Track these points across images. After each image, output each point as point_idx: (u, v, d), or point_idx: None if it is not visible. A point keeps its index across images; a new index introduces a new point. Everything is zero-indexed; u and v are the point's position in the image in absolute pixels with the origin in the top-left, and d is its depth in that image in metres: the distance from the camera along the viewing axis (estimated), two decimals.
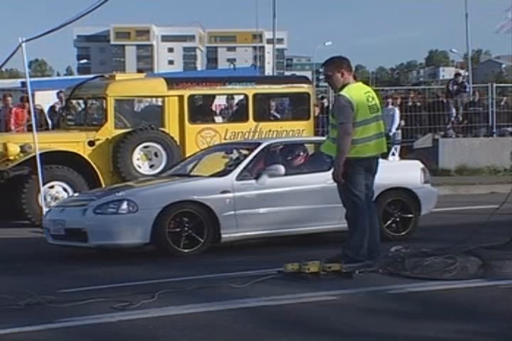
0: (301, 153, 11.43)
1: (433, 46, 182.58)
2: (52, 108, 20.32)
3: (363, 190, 8.82)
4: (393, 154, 12.22)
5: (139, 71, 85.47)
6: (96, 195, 10.66)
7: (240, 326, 6.51)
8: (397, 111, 20.92)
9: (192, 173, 11.39)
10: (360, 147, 8.69)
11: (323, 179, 10.81)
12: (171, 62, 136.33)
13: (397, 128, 21.01)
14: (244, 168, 10.65)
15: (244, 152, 11.24)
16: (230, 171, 10.70)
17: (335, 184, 10.61)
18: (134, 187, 10.91)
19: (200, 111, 15.40)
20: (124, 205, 9.98)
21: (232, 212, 10.32)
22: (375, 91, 9.27)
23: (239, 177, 10.52)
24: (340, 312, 6.90)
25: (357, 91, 8.74)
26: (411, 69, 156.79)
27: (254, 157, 10.84)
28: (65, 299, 7.36)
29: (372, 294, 7.52)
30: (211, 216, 10.21)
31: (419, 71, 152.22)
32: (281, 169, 10.58)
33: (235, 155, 11.72)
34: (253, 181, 10.54)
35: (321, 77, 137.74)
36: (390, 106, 20.86)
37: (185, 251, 10.05)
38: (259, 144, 11.11)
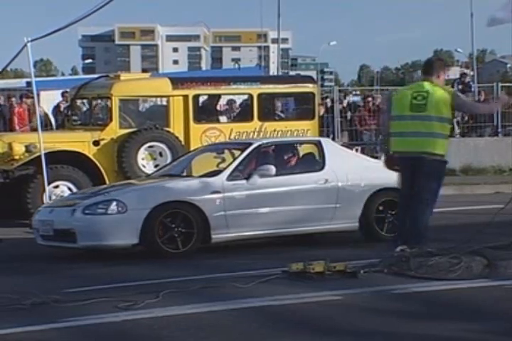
0: (293, 154, 11.44)
1: (438, 46, 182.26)
2: (57, 107, 20.32)
3: (402, 188, 9.12)
4: None
5: (144, 71, 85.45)
6: (85, 195, 10.63)
7: (244, 326, 6.51)
8: None
9: (183, 173, 11.39)
10: (393, 141, 9.05)
11: (315, 179, 10.82)
12: (175, 62, 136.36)
13: None
14: (235, 169, 10.61)
15: (236, 152, 11.23)
16: (221, 171, 10.68)
17: (326, 184, 10.78)
18: (122, 187, 10.83)
19: (205, 110, 15.40)
20: (113, 206, 9.94)
21: (223, 213, 10.27)
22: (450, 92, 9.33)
23: (229, 178, 10.47)
24: (345, 312, 6.89)
25: (407, 89, 9.43)
26: (416, 68, 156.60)
27: (245, 157, 10.80)
28: (69, 299, 7.36)
29: (376, 294, 7.51)
30: (201, 216, 10.16)
31: None
32: (272, 169, 10.54)
33: (226, 155, 11.71)
34: (244, 181, 10.49)
35: (326, 76, 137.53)
36: None
37: (175, 251, 10.00)
38: (250, 144, 11.06)
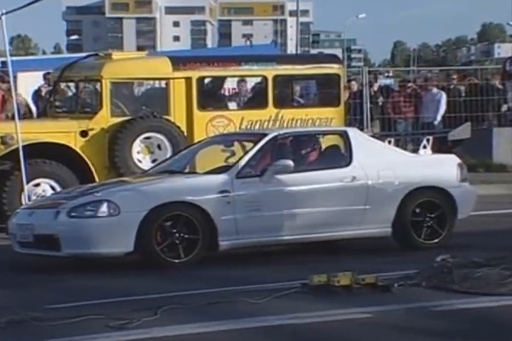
0: (314, 146, 11.48)
1: (486, 19, 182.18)
2: (37, 92, 20.39)
3: None
4: (424, 147, 12.12)
5: (140, 49, 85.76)
6: (71, 195, 10.66)
7: None
8: (444, 96, 20.87)
9: (185, 170, 11.44)
10: None
11: (340, 176, 10.85)
12: (176, 39, 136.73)
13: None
14: (247, 164, 10.64)
15: (247, 144, 11.24)
16: (230, 167, 10.71)
17: (353, 182, 10.82)
18: (114, 186, 10.83)
19: (211, 96, 15.44)
20: (104, 207, 9.99)
21: (232, 216, 10.32)
22: None
23: (240, 175, 10.51)
24: (375, 333, 6.92)
25: None
26: (459, 46, 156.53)
27: (259, 150, 10.83)
28: (53, 316, 7.40)
29: (413, 311, 7.53)
30: (207, 220, 10.20)
31: (470, 48, 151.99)
32: (290, 165, 10.58)
33: (236, 148, 11.74)
34: (257, 179, 10.55)
35: (354, 55, 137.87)
36: (435, 90, 20.81)
37: (176, 261, 10.06)
38: (264, 135, 11.10)
